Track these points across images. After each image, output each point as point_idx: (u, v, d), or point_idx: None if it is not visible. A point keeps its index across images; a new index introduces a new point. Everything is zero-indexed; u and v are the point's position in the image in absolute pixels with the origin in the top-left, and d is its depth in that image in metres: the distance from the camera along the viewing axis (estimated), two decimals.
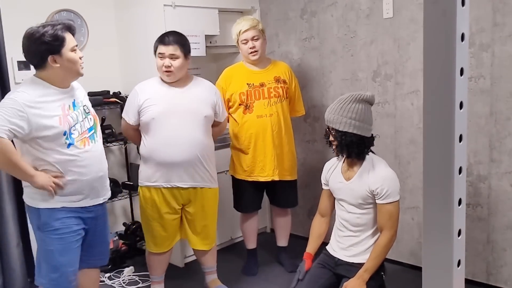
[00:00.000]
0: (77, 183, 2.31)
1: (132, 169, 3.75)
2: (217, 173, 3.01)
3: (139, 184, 2.89)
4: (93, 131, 2.39)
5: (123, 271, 3.48)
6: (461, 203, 0.76)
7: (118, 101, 3.54)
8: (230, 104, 3.23)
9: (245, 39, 3.18)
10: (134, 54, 3.66)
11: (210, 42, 3.76)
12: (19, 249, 3.13)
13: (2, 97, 2.31)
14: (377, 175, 2.44)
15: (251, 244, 3.48)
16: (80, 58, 2.31)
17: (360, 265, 2.44)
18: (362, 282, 2.37)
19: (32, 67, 2.31)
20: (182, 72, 2.81)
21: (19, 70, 3.15)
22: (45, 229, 2.28)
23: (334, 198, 2.65)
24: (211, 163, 2.90)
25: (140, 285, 3.32)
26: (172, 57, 2.75)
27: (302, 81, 3.64)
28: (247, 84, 3.20)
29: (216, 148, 3.04)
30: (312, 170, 3.79)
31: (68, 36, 2.25)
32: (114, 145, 3.73)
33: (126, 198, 3.84)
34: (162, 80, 2.83)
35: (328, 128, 2.52)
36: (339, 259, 2.55)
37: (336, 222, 2.63)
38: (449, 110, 0.72)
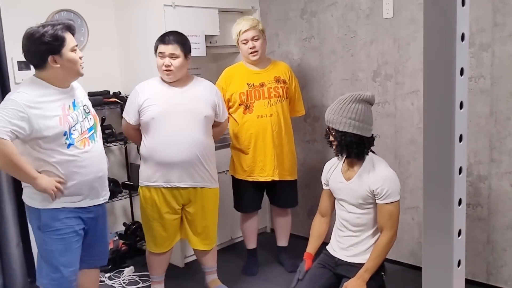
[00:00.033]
0: (77, 184, 2.31)
1: (132, 169, 3.75)
2: (217, 173, 3.01)
3: (139, 184, 2.89)
4: (93, 131, 2.39)
5: (123, 271, 3.48)
6: (461, 203, 0.76)
7: (118, 101, 3.54)
8: (230, 104, 3.23)
9: (245, 39, 3.18)
10: (134, 54, 3.66)
11: (210, 42, 3.76)
12: (19, 249, 3.13)
13: (2, 97, 2.30)
14: (377, 175, 2.44)
15: (251, 244, 3.48)
16: (80, 58, 2.30)
17: (360, 265, 2.44)
18: (362, 282, 2.37)
19: (32, 67, 2.31)
20: (182, 71, 2.81)
21: (19, 70, 3.15)
22: (45, 230, 2.28)
23: (334, 198, 2.65)
24: (211, 163, 2.89)
25: (140, 285, 3.32)
26: (172, 56, 2.75)
27: (302, 81, 3.64)
28: (247, 84, 3.20)
29: (216, 148, 3.04)
30: (312, 170, 3.79)
31: (68, 36, 2.24)
32: (114, 145, 3.73)
33: (126, 198, 3.84)
34: (163, 80, 2.83)
35: (328, 128, 2.52)
36: (339, 259, 2.55)
37: (336, 222, 2.63)
38: (449, 110, 0.72)
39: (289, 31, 3.84)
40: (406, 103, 3.22)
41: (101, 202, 2.47)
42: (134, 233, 3.67)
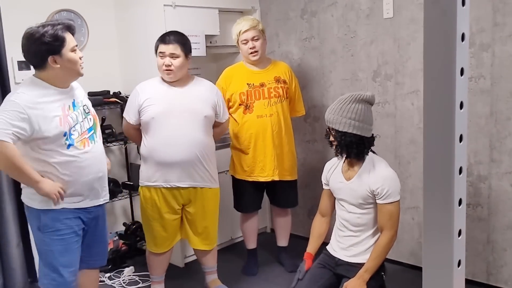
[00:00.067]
0: (77, 184, 2.30)
1: (132, 169, 3.75)
2: (218, 173, 3.00)
3: (140, 184, 2.89)
4: (92, 131, 2.38)
5: (123, 271, 3.48)
6: (461, 203, 0.76)
7: (118, 101, 3.54)
8: (230, 104, 3.23)
9: (245, 39, 3.18)
10: (134, 54, 3.66)
11: (210, 42, 3.76)
12: (19, 249, 3.13)
13: (3, 97, 2.30)
14: (377, 175, 2.44)
15: (251, 244, 3.48)
16: (80, 58, 2.29)
17: (360, 265, 2.44)
18: (363, 282, 2.37)
19: (32, 67, 2.30)
20: (183, 71, 2.81)
21: (19, 70, 3.15)
22: (45, 230, 2.27)
23: (335, 198, 2.65)
24: (211, 163, 2.89)
25: (140, 285, 3.32)
26: (173, 56, 2.75)
27: (302, 81, 3.64)
28: (247, 84, 3.20)
29: (216, 148, 3.04)
30: (312, 170, 3.79)
31: (68, 36, 2.23)
32: (114, 145, 3.73)
33: (126, 198, 3.84)
34: (163, 80, 2.84)
35: (329, 128, 2.52)
36: (339, 259, 2.55)
37: (337, 222, 2.63)
38: (449, 110, 0.72)
39: (289, 31, 3.84)
40: (406, 103, 3.22)
41: (101, 203, 2.46)
42: (134, 233, 3.67)
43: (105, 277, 3.41)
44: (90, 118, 2.40)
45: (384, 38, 3.26)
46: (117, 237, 3.63)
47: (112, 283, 3.36)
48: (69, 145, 2.25)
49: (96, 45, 3.62)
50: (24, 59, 2.28)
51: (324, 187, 2.71)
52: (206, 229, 2.94)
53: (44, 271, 2.34)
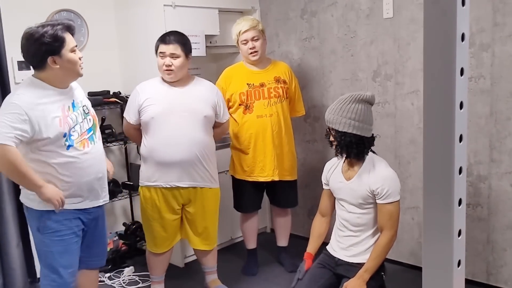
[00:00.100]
0: (77, 185, 2.29)
1: (132, 169, 3.75)
2: (218, 173, 3.00)
3: (140, 184, 2.89)
4: (91, 132, 2.37)
5: (123, 271, 3.48)
6: (461, 203, 0.76)
7: (118, 101, 3.54)
8: (230, 104, 3.23)
9: (245, 40, 3.18)
10: (134, 54, 3.66)
11: (210, 42, 3.76)
12: (19, 249, 3.13)
13: (2, 98, 2.29)
14: (377, 175, 2.44)
15: (251, 244, 3.48)
16: (80, 58, 2.28)
17: (360, 265, 2.44)
18: (362, 282, 2.37)
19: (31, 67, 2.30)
20: (183, 71, 2.81)
21: (19, 70, 3.15)
22: (44, 231, 2.27)
23: (335, 198, 2.65)
24: (211, 163, 2.89)
25: (140, 285, 3.32)
26: (173, 56, 2.75)
27: (302, 81, 3.64)
28: (247, 84, 3.20)
29: (216, 148, 3.03)
30: (312, 170, 3.79)
31: (68, 37, 2.22)
32: (114, 145, 3.73)
33: (126, 198, 3.84)
34: (163, 80, 2.84)
35: (329, 128, 2.52)
36: (339, 259, 2.55)
37: (337, 222, 2.63)
38: (449, 110, 0.72)
39: (289, 31, 3.84)
40: (406, 103, 3.22)
41: (101, 204, 2.46)
42: (134, 233, 3.67)
43: (105, 277, 3.41)
44: (89, 119, 2.39)
45: (384, 38, 3.26)
46: (117, 237, 3.63)
47: (112, 283, 3.36)
48: (69, 146, 2.23)
49: (96, 45, 3.62)
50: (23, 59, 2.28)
51: (324, 187, 2.71)
52: (206, 229, 2.94)
53: (43, 272, 2.33)
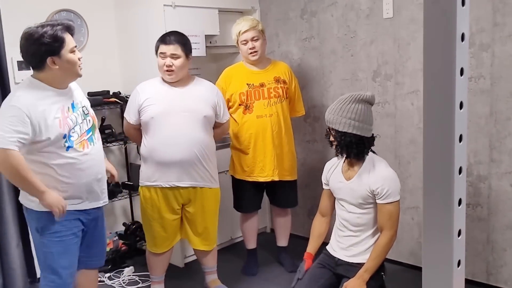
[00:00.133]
0: (76, 186, 2.28)
1: (132, 169, 3.75)
2: (218, 173, 3.00)
3: (140, 184, 2.89)
4: (91, 133, 2.36)
5: (123, 271, 3.48)
6: (461, 203, 0.76)
7: (118, 101, 3.54)
8: (230, 104, 3.23)
9: (244, 40, 3.18)
10: (134, 54, 3.66)
11: (210, 42, 3.76)
12: (19, 249, 3.13)
13: (3, 98, 2.28)
14: (377, 175, 2.44)
15: (251, 244, 3.48)
16: (79, 59, 2.27)
17: (360, 265, 2.44)
18: (362, 282, 2.37)
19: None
20: (183, 71, 2.81)
21: (19, 70, 3.15)
22: (44, 232, 2.26)
23: (335, 198, 2.65)
24: (211, 163, 2.89)
25: (140, 285, 3.32)
26: (173, 56, 2.75)
27: (302, 81, 3.64)
28: (247, 84, 3.20)
29: (216, 148, 3.03)
30: (312, 170, 3.79)
31: (67, 37, 2.21)
32: (114, 145, 3.73)
33: (126, 198, 3.84)
34: (164, 80, 2.84)
35: (329, 128, 2.52)
36: (339, 259, 2.55)
37: (336, 222, 2.63)
38: (449, 110, 0.72)
39: (289, 31, 3.84)
40: (406, 103, 3.22)
41: (100, 205, 2.45)
42: (134, 233, 3.67)
43: (105, 277, 3.41)
44: (89, 120, 2.37)
45: (384, 38, 3.26)
46: (117, 237, 3.63)
47: (112, 283, 3.36)
48: (68, 147, 2.22)
49: (96, 45, 3.62)
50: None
51: (324, 187, 2.71)
52: (206, 229, 2.94)
53: (42, 272, 2.33)
